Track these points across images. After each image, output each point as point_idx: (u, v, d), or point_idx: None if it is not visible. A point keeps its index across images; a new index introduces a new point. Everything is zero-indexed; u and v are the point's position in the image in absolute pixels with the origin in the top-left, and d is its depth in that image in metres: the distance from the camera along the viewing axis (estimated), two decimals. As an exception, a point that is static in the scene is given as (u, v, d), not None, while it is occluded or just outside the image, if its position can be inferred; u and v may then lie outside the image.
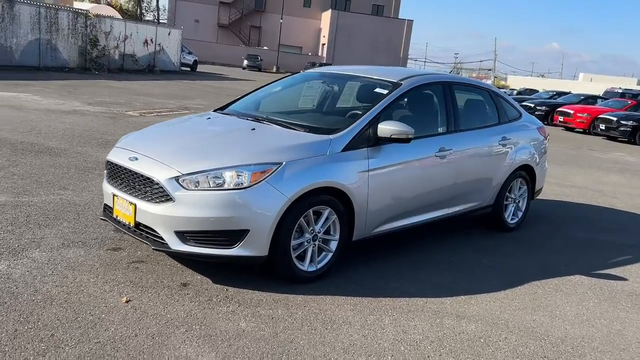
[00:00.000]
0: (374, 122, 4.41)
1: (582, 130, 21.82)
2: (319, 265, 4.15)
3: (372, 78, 5.19)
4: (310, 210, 3.96)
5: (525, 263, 5.09)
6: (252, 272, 4.10)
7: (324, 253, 4.20)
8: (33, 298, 3.39)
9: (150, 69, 29.64)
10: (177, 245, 3.72)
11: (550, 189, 8.68)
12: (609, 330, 3.87)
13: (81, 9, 25.85)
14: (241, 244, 3.71)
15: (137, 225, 3.89)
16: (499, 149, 5.65)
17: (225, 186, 3.70)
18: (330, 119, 5.05)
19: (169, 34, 31.70)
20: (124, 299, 3.49)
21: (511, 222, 6.05)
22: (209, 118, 4.92)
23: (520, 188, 6.09)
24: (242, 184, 3.70)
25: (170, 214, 3.70)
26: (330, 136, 4.23)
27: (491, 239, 5.71)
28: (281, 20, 55.63)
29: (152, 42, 30.03)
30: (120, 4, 72.45)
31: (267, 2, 61.31)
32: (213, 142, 4.27)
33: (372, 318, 3.64)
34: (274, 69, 54.24)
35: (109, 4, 67.08)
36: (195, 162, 3.82)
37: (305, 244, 4.03)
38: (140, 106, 14.17)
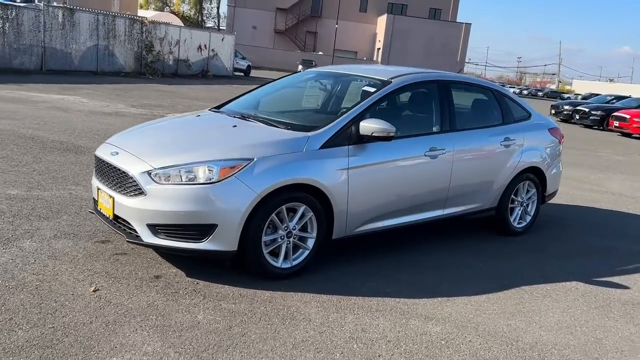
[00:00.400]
0: (357, 120, 4.38)
1: (638, 136, 20.77)
2: (294, 262, 4.15)
3: (364, 77, 5.16)
4: (284, 207, 3.97)
5: (522, 268, 4.91)
6: (228, 267, 4.14)
7: (300, 250, 4.20)
8: (7, 284, 3.56)
9: (204, 73, 30.41)
10: (149, 238, 3.82)
11: (580, 194, 8.33)
12: (587, 338, 3.68)
13: (137, 16, 26.91)
14: (210, 238, 3.77)
15: (116, 217, 4.02)
16: (501, 150, 5.48)
17: (195, 181, 3.77)
18: (318, 117, 5.05)
19: (222, 39, 32.44)
20: (92, 288, 3.61)
21: (518, 226, 5.85)
22: (199, 116, 5.02)
23: (528, 191, 5.88)
24: (211, 179, 3.76)
25: (142, 207, 3.80)
26: (309, 133, 4.23)
27: (494, 242, 5.54)
28: (336, 25, 55.90)
29: (205, 47, 30.81)
30: (183, 12, 74.88)
31: (323, 7, 61.74)
32: (192, 138, 4.36)
33: (335, 316, 3.61)
34: (329, 74, 54.50)
35: (172, 12, 69.62)
36: (169, 157, 3.92)
37: (279, 240, 4.04)
38: (182, 109, 14.57)
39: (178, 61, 28.84)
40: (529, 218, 5.96)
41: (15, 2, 21.59)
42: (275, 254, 4.07)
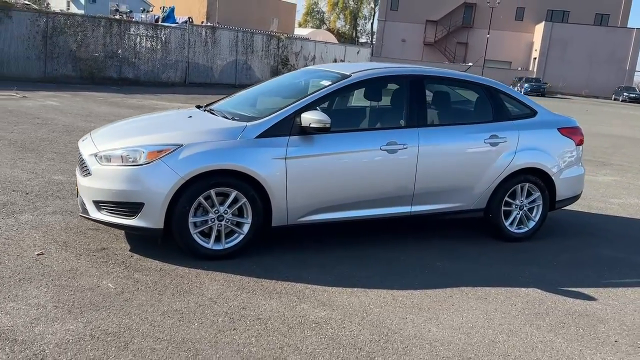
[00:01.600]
0: (302, 112, 4.49)
1: None
2: (227, 245, 4.38)
3: (331, 71, 5.21)
4: (212, 191, 4.23)
5: (484, 271, 4.61)
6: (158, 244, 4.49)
7: (236, 234, 4.41)
8: (-23, 243, 4.27)
9: (338, 85, 31.32)
10: (94, 213, 4.31)
11: (630, 202, 7.36)
12: (482, 339, 3.43)
13: (275, 32, 28.63)
14: (139, 215, 4.16)
15: (78, 196, 4.59)
16: (485, 148, 5.16)
17: (127, 163, 4.19)
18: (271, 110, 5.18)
19: (357, 52, 33.22)
20: (37, 252, 4.18)
21: (517, 231, 5.43)
22: (178, 109, 5.44)
23: (530, 194, 5.43)
24: (139, 161, 4.15)
25: (89, 185, 4.31)
26: (247, 123, 4.45)
27: (482, 246, 5.22)
28: (488, 35, 53.95)
29: (341, 61, 31.75)
30: (338, 28, 77.57)
31: (475, 18, 60.01)
32: (147, 128, 4.80)
33: (230, 294, 3.78)
34: (478, 86, 52.84)
35: (328, 29, 72.55)
36: (115, 142, 4.39)
37: (210, 222, 4.30)
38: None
39: (312, 74, 30.07)
40: (532, 224, 5.50)
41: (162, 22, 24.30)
42: (208, 235, 4.33)
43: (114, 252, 4.34)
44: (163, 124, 4.96)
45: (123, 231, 4.76)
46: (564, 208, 6.16)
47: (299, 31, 58.22)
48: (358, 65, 5.60)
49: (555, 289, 4.32)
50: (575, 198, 5.83)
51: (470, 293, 4.13)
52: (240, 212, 4.39)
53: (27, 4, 19.98)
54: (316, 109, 4.51)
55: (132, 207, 4.17)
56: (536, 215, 5.51)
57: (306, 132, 4.46)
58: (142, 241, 4.59)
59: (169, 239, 4.32)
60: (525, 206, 5.46)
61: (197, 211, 4.27)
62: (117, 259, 4.22)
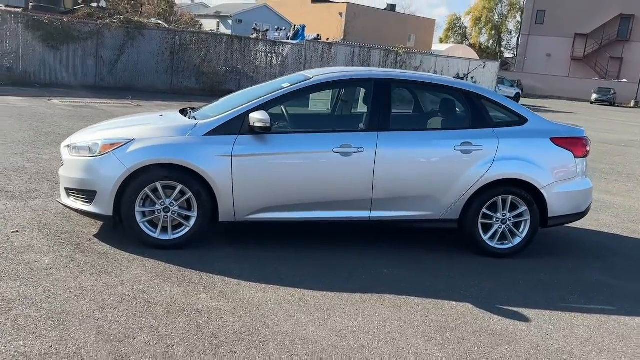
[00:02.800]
0: (253, 112, 4.62)
1: None
2: (173, 236, 4.63)
3: (300, 75, 5.25)
4: (158, 184, 4.51)
5: (430, 282, 4.41)
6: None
7: (184, 226, 4.64)
8: (-29, 218, 4.96)
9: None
10: (65, 198, 4.80)
11: None
12: (349, 343, 3.36)
13: (392, 47, 28.63)
14: (93, 202, 4.57)
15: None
16: (455, 155, 4.88)
17: (87, 154, 4.62)
18: None
19: (483, 67, 32.04)
20: (12, 230, 4.75)
21: (499, 246, 5.04)
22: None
23: (515, 208, 5.00)
24: (95, 153, 4.56)
25: (62, 174, 4.82)
26: (199, 122, 4.67)
27: (447, 258, 4.95)
28: (646, 49, 49.04)
29: (464, 76, 30.87)
30: (480, 44, 75.25)
31: (633, 30, 54.82)
32: (119, 124, 5.21)
33: (143, 278, 4.02)
34: (632, 104, 48.13)
35: (470, 45, 70.70)
36: (86, 136, 4.85)
37: (157, 213, 4.58)
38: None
39: (432, 89, 29.59)
40: (518, 240, 5.06)
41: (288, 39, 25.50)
42: (155, 225, 4.61)
43: (78, 235, 4.78)
44: (134, 121, 5.36)
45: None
46: (581, 226, 5.57)
47: (437, 47, 57.45)
48: (333, 68, 5.59)
49: (490, 307, 3.99)
50: (577, 215, 5.26)
51: (388, 300, 3.97)
52: (188, 206, 4.61)
53: (158, 23, 22.12)
54: (263, 110, 4.60)
55: (88, 195, 4.58)
56: (523, 230, 5.07)
57: (254, 131, 4.58)
58: (112, 229, 4.98)
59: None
60: (509, 220, 5.04)
61: (145, 202, 4.57)
62: (74, 241, 4.65)
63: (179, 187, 4.54)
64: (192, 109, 5.61)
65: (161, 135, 4.60)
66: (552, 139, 5.12)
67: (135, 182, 4.48)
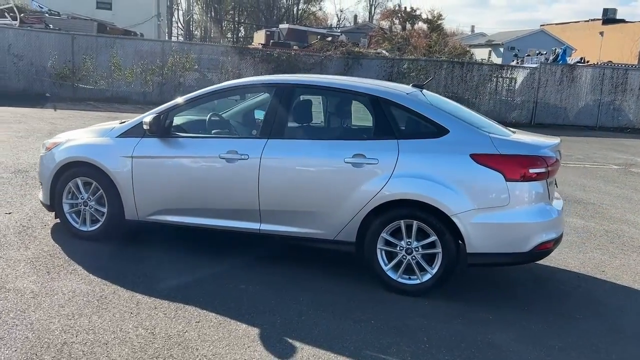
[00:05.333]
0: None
1: None
2: (90, 228, 5.13)
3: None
4: (78, 179, 5.06)
5: (273, 298, 3.95)
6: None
7: (100, 221, 5.06)
8: None
9: None
10: (39, 190, 5.66)
11: None
12: (79, 325, 3.31)
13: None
14: (41, 193, 5.33)
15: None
16: (345, 169, 4.26)
17: (42, 151, 5.42)
18: None
19: None
20: (7, 212, 5.80)
21: (402, 280, 4.27)
22: None
23: (426, 236, 4.12)
24: (44, 150, 5.34)
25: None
26: (117, 125, 5.06)
27: (352, 284, 4.28)
28: None
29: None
30: None
31: None
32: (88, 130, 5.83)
33: (29, 268, 4.45)
34: None
35: None
36: (57, 138, 5.62)
37: (78, 205, 5.10)
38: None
39: None
40: (427, 276, 4.11)
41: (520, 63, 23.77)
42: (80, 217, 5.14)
43: (52, 227, 5.50)
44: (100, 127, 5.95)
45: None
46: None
47: None
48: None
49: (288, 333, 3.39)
50: (514, 256, 4.00)
51: (188, 305, 3.74)
52: (103, 201, 5.01)
53: (378, 53, 22.96)
54: (155, 115, 4.74)
55: (41, 185, 5.35)
56: (435, 265, 4.08)
57: (153, 134, 4.76)
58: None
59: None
60: (416, 251, 4.13)
61: (72, 195, 5.13)
62: (23, 224, 5.40)
63: (94, 183, 4.99)
64: None
65: (87, 136, 5.14)
66: (472, 155, 4.05)
67: (63, 176, 5.09)
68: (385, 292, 4.23)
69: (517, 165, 4.04)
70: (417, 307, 4.00)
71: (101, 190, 5.01)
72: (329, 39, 24.61)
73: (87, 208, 5.14)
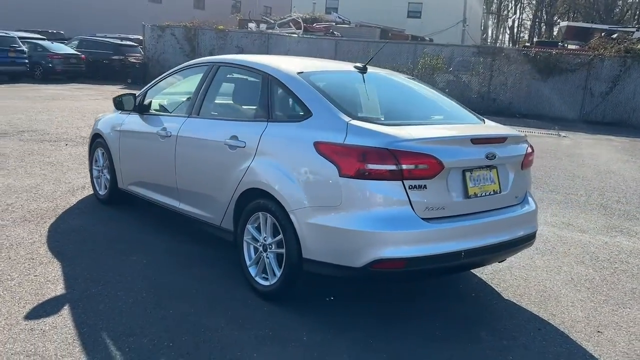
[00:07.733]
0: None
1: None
2: (102, 193, 5.73)
3: None
4: (98, 149, 5.76)
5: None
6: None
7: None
8: None
9: None
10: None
11: None
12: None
13: None
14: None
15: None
16: (225, 151, 3.96)
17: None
18: None
19: None
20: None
21: (259, 280, 3.70)
22: None
23: (276, 231, 3.55)
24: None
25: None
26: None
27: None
28: None
29: None
30: None
31: None
32: None
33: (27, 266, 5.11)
34: None
35: None
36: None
37: (99, 172, 5.80)
38: None
39: None
40: (274, 279, 3.56)
41: None
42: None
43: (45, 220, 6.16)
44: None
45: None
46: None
47: None
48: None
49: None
50: (343, 270, 3.20)
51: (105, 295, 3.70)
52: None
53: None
54: (136, 93, 5.13)
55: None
56: (282, 267, 3.52)
57: (142, 109, 5.11)
58: (83, 215, 5.47)
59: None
60: (270, 248, 3.63)
61: (96, 163, 5.84)
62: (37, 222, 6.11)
63: (104, 153, 5.62)
64: None
65: (109, 114, 5.77)
66: (315, 144, 3.30)
67: (93, 145, 5.85)
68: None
69: (353, 158, 3.11)
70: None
71: (107, 160, 5.60)
72: (614, 35, 20.91)
73: (102, 175, 5.79)
